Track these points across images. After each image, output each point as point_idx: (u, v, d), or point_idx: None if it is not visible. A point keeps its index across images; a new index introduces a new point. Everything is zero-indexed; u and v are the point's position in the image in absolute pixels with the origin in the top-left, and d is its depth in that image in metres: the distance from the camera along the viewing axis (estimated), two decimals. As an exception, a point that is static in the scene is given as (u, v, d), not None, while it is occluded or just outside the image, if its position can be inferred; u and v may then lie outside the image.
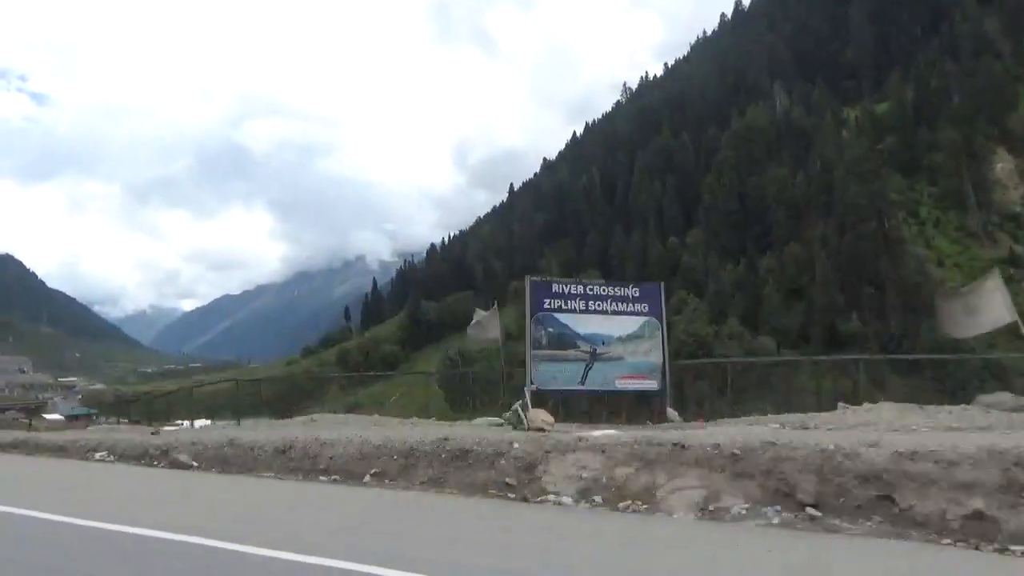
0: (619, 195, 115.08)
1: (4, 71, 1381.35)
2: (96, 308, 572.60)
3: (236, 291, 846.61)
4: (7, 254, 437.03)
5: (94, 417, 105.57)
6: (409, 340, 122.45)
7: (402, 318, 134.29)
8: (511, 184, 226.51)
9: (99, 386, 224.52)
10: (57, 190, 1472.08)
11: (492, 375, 79.00)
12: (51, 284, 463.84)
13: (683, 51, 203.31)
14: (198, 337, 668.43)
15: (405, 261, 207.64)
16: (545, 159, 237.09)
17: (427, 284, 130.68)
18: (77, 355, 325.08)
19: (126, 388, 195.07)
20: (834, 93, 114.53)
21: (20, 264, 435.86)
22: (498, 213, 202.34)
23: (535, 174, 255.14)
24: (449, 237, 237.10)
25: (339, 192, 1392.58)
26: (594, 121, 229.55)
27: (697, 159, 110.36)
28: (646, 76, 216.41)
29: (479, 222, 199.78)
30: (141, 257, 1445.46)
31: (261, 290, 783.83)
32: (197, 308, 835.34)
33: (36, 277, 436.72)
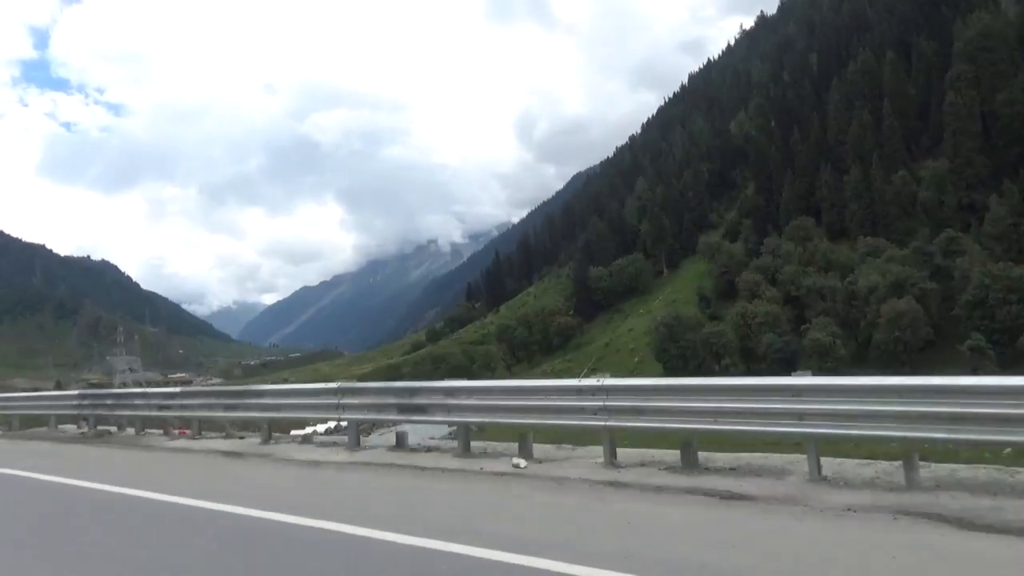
0: (814, 131, 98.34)
1: (81, 85, 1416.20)
2: (184, 307, 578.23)
3: (314, 282, 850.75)
4: (103, 260, 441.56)
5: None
6: (580, 310, 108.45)
7: (564, 285, 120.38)
8: (631, 136, 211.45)
9: (215, 380, 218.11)
10: (139, 196, 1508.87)
11: (725, 341, 63.88)
12: (144, 286, 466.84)
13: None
14: (282, 329, 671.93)
15: (529, 235, 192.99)
16: (649, 118, 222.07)
17: (589, 249, 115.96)
18: (180, 351, 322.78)
19: (238, 381, 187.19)
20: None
21: (116, 269, 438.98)
22: (606, 173, 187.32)
23: (631, 136, 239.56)
24: (548, 206, 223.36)
25: (405, 178, 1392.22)
26: (704, 66, 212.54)
27: (909, 79, 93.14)
28: (763, 14, 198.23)
29: (597, 176, 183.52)
30: (222, 255, 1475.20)
31: (338, 280, 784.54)
32: (278, 301, 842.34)
33: (131, 280, 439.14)
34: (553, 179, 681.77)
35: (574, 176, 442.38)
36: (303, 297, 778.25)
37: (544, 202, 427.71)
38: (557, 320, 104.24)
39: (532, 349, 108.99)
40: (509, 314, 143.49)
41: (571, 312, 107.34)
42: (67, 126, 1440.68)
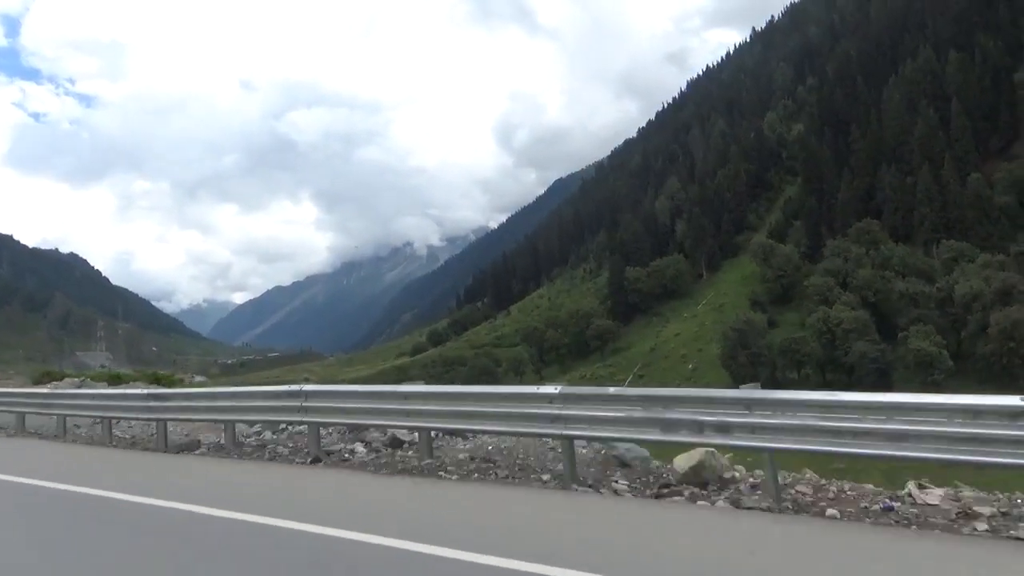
0: (871, 132, 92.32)
1: (52, 75, 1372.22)
2: (153, 303, 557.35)
3: (287, 283, 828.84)
4: (72, 253, 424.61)
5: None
6: (616, 312, 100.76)
7: (600, 286, 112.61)
8: (626, 140, 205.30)
9: (200, 379, 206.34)
10: (108, 190, 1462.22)
11: (808, 349, 56.62)
12: (113, 281, 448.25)
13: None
14: (253, 329, 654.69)
15: (537, 237, 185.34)
16: (649, 121, 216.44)
17: (625, 249, 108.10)
18: (154, 349, 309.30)
19: (216, 379, 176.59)
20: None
21: (85, 263, 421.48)
22: (610, 176, 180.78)
23: (627, 140, 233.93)
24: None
25: (382, 180, 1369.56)
26: (705, 71, 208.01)
27: (977, 78, 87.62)
28: (772, 19, 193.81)
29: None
30: (193, 252, 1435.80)
31: (311, 281, 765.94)
32: (249, 301, 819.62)
33: (101, 275, 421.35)
34: (534, 185, 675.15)
35: (556, 182, 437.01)
36: (275, 297, 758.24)
37: (525, 207, 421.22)
38: (595, 323, 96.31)
39: (562, 352, 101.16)
40: (522, 316, 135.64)
41: (606, 315, 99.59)
42: (36, 116, 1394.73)
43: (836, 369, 67.17)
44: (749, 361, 71.03)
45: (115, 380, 21.35)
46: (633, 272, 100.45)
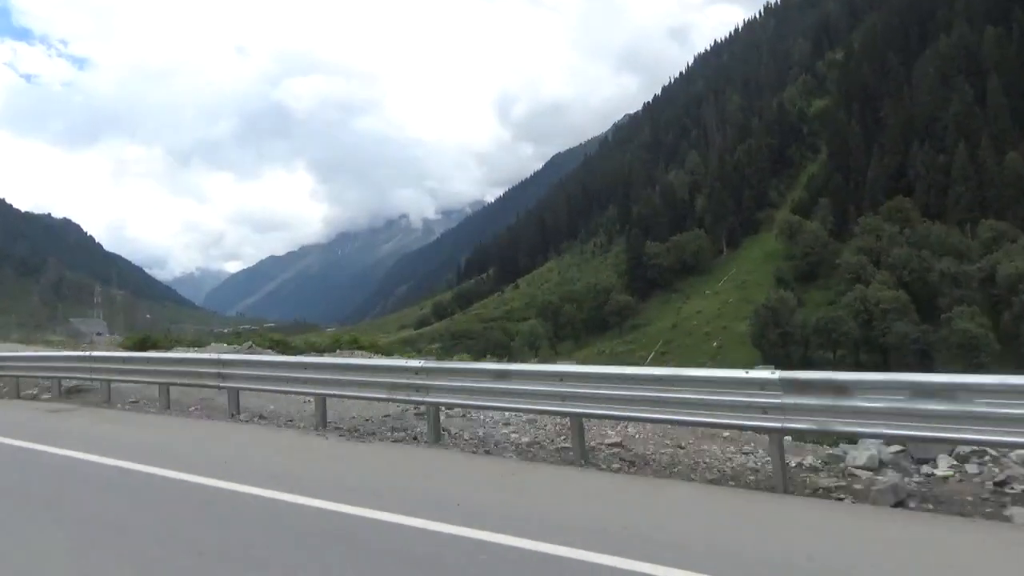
0: (903, 108, 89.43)
1: (44, 36, 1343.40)
2: (146, 271, 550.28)
3: (281, 252, 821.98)
4: (65, 218, 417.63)
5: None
6: (636, 288, 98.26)
7: (617, 261, 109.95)
8: (627, 115, 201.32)
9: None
10: (101, 155, 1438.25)
11: (845, 328, 54.30)
12: (106, 248, 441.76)
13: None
14: (246, 298, 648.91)
15: (544, 209, 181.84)
16: (655, 95, 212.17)
17: (644, 223, 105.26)
18: (148, 316, 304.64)
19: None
20: None
21: (79, 228, 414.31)
22: (617, 151, 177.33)
23: (629, 115, 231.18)
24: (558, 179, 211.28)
25: (378, 151, 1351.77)
26: (714, 46, 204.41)
27: (1016, 54, 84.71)
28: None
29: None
30: (186, 219, 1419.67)
31: (305, 251, 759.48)
32: (243, 270, 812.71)
33: (95, 241, 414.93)
34: (531, 159, 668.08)
35: (555, 156, 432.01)
36: (269, 267, 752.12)
37: (522, 181, 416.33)
38: (613, 298, 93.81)
39: (578, 328, 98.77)
40: (531, 290, 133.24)
41: (623, 290, 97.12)
42: (27, 78, 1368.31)
43: (872, 350, 65.07)
44: (780, 340, 68.87)
45: (282, 346, 18.31)
46: (652, 247, 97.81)
